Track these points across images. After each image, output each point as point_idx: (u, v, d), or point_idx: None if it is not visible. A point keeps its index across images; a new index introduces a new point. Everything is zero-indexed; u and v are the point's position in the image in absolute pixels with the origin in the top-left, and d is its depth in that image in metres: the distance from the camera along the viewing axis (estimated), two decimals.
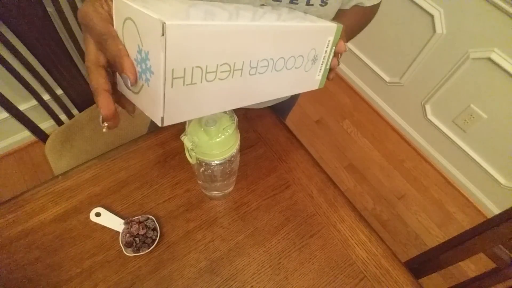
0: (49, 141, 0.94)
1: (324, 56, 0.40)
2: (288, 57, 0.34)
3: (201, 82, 0.27)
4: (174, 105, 0.26)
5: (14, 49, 0.78)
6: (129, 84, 0.26)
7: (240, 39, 0.28)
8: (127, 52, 0.26)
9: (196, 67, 0.25)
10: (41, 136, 0.93)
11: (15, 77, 0.81)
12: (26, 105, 1.24)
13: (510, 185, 1.32)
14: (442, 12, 1.23)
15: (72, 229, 0.53)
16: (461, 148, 1.42)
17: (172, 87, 0.24)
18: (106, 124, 0.28)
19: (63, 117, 0.98)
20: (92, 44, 0.29)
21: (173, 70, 0.24)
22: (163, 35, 0.22)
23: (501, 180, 1.34)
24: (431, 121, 1.49)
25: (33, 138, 1.38)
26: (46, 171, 1.36)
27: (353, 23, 0.58)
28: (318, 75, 0.42)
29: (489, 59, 1.16)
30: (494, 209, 1.43)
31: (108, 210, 0.54)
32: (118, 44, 0.26)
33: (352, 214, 0.59)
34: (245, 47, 0.29)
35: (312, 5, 0.47)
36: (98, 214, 0.53)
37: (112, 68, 0.30)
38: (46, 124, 1.09)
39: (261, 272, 0.52)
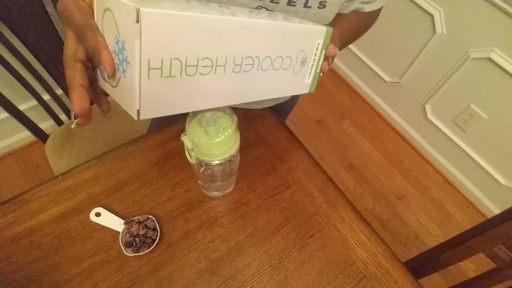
0: (49, 141, 0.94)
1: (314, 59, 0.39)
2: (275, 57, 0.34)
3: (180, 76, 0.26)
4: (151, 98, 0.25)
5: (14, 49, 0.78)
6: (105, 76, 0.25)
7: (222, 33, 0.27)
8: (106, 43, 0.26)
9: (175, 59, 0.25)
10: (41, 136, 0.93)
11: (15, 77, 0.81)
12: (26, 105, 1.24)
13: (510, 185, 1.32)
14: (442, 12, 1.23)
15: (72, 229, 0.53)
16: (461, 148, 1.42)
17: (148, 78, 0.24)
18: (75, 121, 0.28)
19: (63, 117, 0.98)
20: (71, 38, 0.28)
21: (149, 60, 0.23)
22: (137, 22, 0.21)
23: (501, 180, 1.34)
24: (431, 121, 1.49)
25: (33, 138, 1.38)
26: (46, 171, 1.36)
27: (349, 28, 0.57)
28: (308, 78, 0.41)
29: (489, 59, 1.16)
30: (494, 209, 1.43)
31: (108, 210, 0.54)
32: (97, 36, 0.26)
33: (352, 214, 0.59)
34: (227, 43, 0.28)
35: (310, 7, 0.46)
36: (98, 214, 0.53)
37: (92, 62, 0.29)
38: (46, 124, 1.09)
39: (261, 272, 0.52)
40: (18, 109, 0.84)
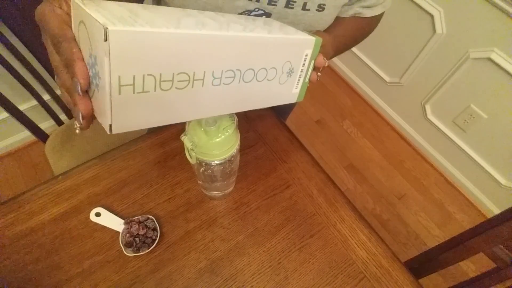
0: (49, 141, 0.94)
1: (302, 69, 0.38)
2: (258, 69, 0.33)
3: (154, 91, 0.25)
4: (123, 113, 0.24)
5: (14, 49, 0.78)
6: (79, 89, 0.24)
7: (199, 48, 0.26)
8: (81, 55, 0.25)
9: (148, 75, 0.24)
10: (41, 136, 0.93)
11: (15, 77, 0.81)
12: (26, 105, 1.24)
13: (510, 185, 1.32)
14: (442, 12, 1.23)
15: (72, 229, 0.53)
16: (461, 148, 1.42)
17: (119, 94, 0.23)
18: (78, 125, 0.27)
19: (63, 117, 0.98)
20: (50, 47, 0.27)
21: (119, 77, 0.23)
22: (105, 40, 0.21)
23: (501, 180, 1.34)
24: (431, 121, 1.49)
25: (33, 138, 1.38)
26: (46, 171, 1.36)
27: (346, 33, 0.56)
28: (296, 88, 0.40)
29: (489, 59, 1.16)
30: (494, 209, 1.43)
31: (108, 210, 0.54)
32: (72, 47, 0.25)
33: (352, 214, 0.59)
34: (205, 57, 0.27)
35: (309, 10, 0.46)
36: (98, 214, 0.53)
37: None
38: (46, 124, 1.09)
39: (261, 272, 0.52)
40: (18, 109, 0.84)
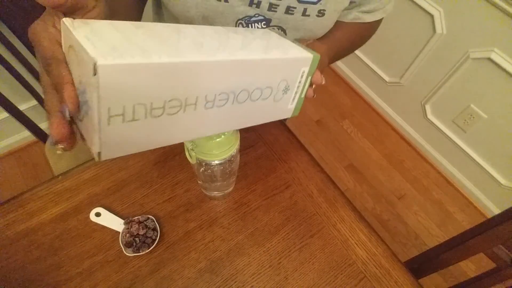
0: (49, 141, 0.94)
1: (298, 86, 0.37)
2: (253, 90, 0.32)
3: (145, 118, 0.25)
4: (113, 141, 0.24)
5: (14, 49, 0.78)
6: (67, 113, 0.23)
7: (190, 75, 0.25)
8: (71, 78, 0.24)
9: (138, 104, 0.24)
10: (41, 136, 0.93)
11: (15, 77, 0.81)
12: (26, 105, 1.24)
13: (510, 185, 1.32)
14: (442, 12, 1.23)
15: (72, 229, 0.53)
16: (461, 148, 1.42)
17: (108, 124, 0.23)
18: (60, 146, 0.26)
19: None
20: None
21: (109, 108, 0.22)
22: (94, 74, 0.20)
23: (501, 180, 1.34)
24: (431, 121, 1.49)
25: (33, 138, 1.38)
26: (46, 171, 1.36)
27: (343, 39, 0.56)
28: (291, 104, 0.39)
29: (489, 59, 1.16)
30: (494, 209, 1.43)
31: (108, 210, 0.54)
32: (62, 70, 0.24)
33: (352, 214, 0.59)
34: (197, 83, 0.26)
35: (309, 15, 0.46)
36: (98, 214, 0.53)
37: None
38: (46, 124, 1.09)
39: (261, 272, 0.52)
40: (18, 109, 0.84)
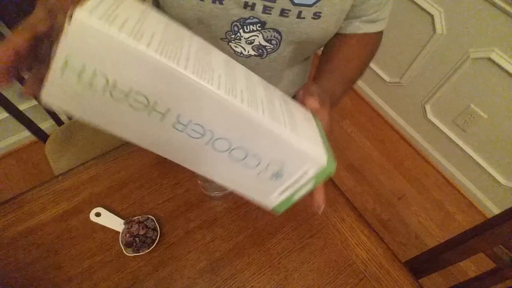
0: (49, 141, 0.94)
1: (294, 183, 0.30)
2: (236, 146, 0.27)
3: (103, 94, 0.23)
4: (60, 91, 0.24)
5: None
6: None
7: (172, 84, 0.23)
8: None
9: (101, 74, 0.23)
10: (41, 136, 0.93)
11: (15, 77, 0.81)
12: (26, 105, 1.25)
13: (510, 185, 1.32)
14: (442, 12, 1.23)
15: (72, 229, 0.53)
16: (461, 148, 1.42)
17: (62, 75, 0.23)
18: None
19: (63, 117, 0.98)
20: (40, 10, 0.26)
21: (67, 56, 0.22)
22: (68, 23, 0.21)
23: (501, 180, 1.34)
24: (431, 121, 1.49)
25: (33, 138, 1.38)
26: (46, 171, 1.36)
27: (346, 76, 0.52)
28: (278, 196, 0.31)
29: (489, 59, 1.16)
30: (494, 209, 1.43)
31: (108, 210, 0.54)
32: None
33: (352, 214, 0.59)
34: (176, 96, 0.24)
35: (304, 18, 0.45)
36: (98, 214, 0.53)
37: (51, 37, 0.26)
38: (46, 124, 1.09)
39: (261, 272, 0.52)
40: (18, 109, 0.84)
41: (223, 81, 0.25)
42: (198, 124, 0.25)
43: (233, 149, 0.27)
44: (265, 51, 0.51)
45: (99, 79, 0.23)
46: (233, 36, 0.48)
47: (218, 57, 0.28)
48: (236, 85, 0.26)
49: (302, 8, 0.44)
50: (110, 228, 0.53)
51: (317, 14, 0.45)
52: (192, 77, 0.23)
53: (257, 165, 0.28)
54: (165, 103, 0.24)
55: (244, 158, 0.28)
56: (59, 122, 0.98)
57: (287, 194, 0.31)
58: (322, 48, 0.58)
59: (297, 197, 0.31)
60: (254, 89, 0.28)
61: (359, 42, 0.55)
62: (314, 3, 0.44)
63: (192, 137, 0.26)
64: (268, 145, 0.27)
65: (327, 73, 0.50)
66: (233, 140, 0.26)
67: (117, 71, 0.23)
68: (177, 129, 0.26)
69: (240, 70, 0.29)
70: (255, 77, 0.31)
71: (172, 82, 0.23)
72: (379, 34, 0.58)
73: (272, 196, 0.32)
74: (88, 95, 0.24)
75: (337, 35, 0.54)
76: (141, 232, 0.52)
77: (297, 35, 0.48)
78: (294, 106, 0.32)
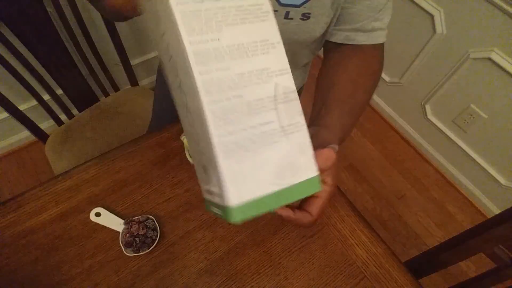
0: (49, 141, 0.94)
1: (211, 194, 0.28)
2: (190, 112, 0.27)
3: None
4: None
5: (14, 49, 0.78)
6: None
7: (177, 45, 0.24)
8: None
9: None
10: (41, 136, 0.93)
11: (15, 77, 0.81)
12: (26, 105, 1.25)
13: (510, 185, 1.32)
14: (442, 12, 1.23)
15: (72, 229, 0.53)
16: (461, 148, 1.42)
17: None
18: None
19: (63, 117, 0.98)
20: None
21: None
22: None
23: (501, 180, 1.34)
24: (431, 121, 1.49)
25: (33, 138, 1.38)
26: (46, 171, 1.36)
27: (352, 112, 0.44)
28: (204, 192, 0.30)
29: (489, 59, 1.16)
30: (494, 209, 1.43)
31: (108, 210, 0.54)
32: None
33: (352, 214, 0.59)
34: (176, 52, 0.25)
35: (292, 19, 0.43)
36: (98, 214, 0.53)
37: None
38: (46, 124, 1.09)
39: (261, 272, 0.52)
40: (18, 109, 0.84)
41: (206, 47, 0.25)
42: (175, 65, 0.26)
43: (187, 110, 0.27)
44: None
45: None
46: None
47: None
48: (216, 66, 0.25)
49: (289, 8, 0.43)
50: (110, 228, 0.53)
51: (306, 15, 0.44)
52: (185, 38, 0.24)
53: (198, 144, 0.27)
54: (171, 50, 0.26)
55: (191, 127, 0.27)
56: (59, 122, 0.98)
57: (207, 197, 0.29)
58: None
59: (213, 210, 0.28)
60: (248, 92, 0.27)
61: (354, 59, 0.48)
62: (303, 3, 0.42)
63: (172, 72, 0.27)
64: (202, 135, 0.25)
65: (333, 104, 0.44)
66: (188, 102, 0.26)
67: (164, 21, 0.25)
68: (168, 56, 0.27)
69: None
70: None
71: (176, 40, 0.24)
72: (378, 49, 0.50)
73: (202, 186, 0.30)
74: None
75: (333, 53, 0.49)
76: (141, 232, 0.52)
77: (284, 36, 0.46)
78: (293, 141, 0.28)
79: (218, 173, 0.24)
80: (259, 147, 0.26)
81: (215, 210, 0.28)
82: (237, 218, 0.25)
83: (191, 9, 0.24)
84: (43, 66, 0.84)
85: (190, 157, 0.44)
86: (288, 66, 0.28)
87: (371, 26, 0.47)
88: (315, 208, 0.32)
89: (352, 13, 0.47)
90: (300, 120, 0.28)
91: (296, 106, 0.28)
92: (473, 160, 1.40)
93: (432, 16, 1.26)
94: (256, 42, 0.27)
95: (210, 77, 0.24)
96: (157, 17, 0.26)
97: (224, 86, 0.25)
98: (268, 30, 0.28)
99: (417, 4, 1.29)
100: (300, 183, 0.27)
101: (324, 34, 0.50)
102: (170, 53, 0.26)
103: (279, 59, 0.28)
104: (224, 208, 0.25)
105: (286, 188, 0.27)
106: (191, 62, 0.24)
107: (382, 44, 0.50)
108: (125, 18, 0.41)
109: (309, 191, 0.28)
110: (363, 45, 0.48)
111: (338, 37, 0.49)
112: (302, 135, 0.28)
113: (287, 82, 0.28)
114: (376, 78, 0.49)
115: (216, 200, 0.27)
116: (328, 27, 0.50)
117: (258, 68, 0.26)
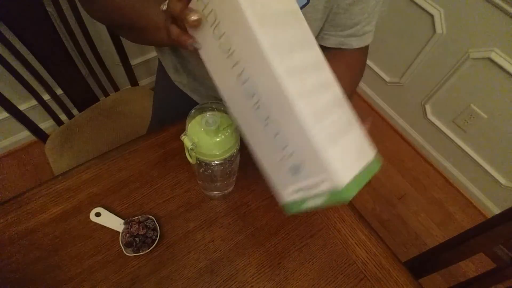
0: (49, 141, 0.94)
1: (308, 188, 0.30)
2: (272, 119, 0.29)
3: (210, 27, 0.28)
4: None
5: (14, 49, 0.78)
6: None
7: (246, 39, 0.26)
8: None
9: (214, 11, 0.27)
10: (41, 136, 0.93)
11: (15, 77, 0.81)
12: (26, 105, 1.24)
13: (510, 185, 1.32)
14: (442, 12, 1.23)
15: (72, 229, 0.53)
16: (461, 148, 1.42)
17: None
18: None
19: (63, 117, 0.98)
20: None
21: None
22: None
23: (501, 180, 1.34)
24: (431, 121, 1.49)
25: (33, 138, 1.38)
26: (46, 171, 1.36)
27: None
28: (291, 194, 0.32)
29: (489, 59, 1.16)
30: (494, 209, 1.43)
31: (108, 210, 0.54)
32: None
33: (352, 214, 0.59)
34: (245, 51, 0.27)
35: None
36: (98, 214, 0.53)
37: None
38: (46, 124, 1.09)
39: (261, 272, 0.52)
40: (18, 109, 0.84)
41: (291, 62, 0.27)
42: (253, 86, 0.28)
43: (269, 122, 0.29)
44: None
45: (212, 15, 0.27)
46: None
47: (310, 52, 0.31)
48: (305, 76, 0.28)
49: None
50: (110, 228, 0.53)
51: None
52: (262, 41, 0.25)
53: (283, 149, 0.29)
54: (238, 54, 0.27)
55: (276, 136, 0.29)
56: (59, 122, 0.97)
57: (299, 195, 0.31)
58: None
59: (307, 205, 0.31)
60: (325, 91, 0.30)
61: (342, 62, 0.52)
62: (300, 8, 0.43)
63: (245, 95, 0.29)
64: (296, 135, 0.28)
65: None
66: (272, 113, 0.28)
67: (223, 14, 0.27)
68: (239, 81, 0.29)
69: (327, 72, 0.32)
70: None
71: (247, 39, 0.26)
72: (364, 50, 0.53)
73: (287, 190, 0.32)
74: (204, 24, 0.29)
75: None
76: (141, 232, 0.52)
77: None
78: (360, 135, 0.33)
79: (322, 160, 0.27)
80: (344, 134, 0.30)
81: (311, 204, 0.31)
82: (351, 192, 0.27)
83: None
84: (43, 66, 0.84)
85: (190, 157, 0.44)
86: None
87: (363, 31, 0.49)
88: None
89: (345, 18, 0.48)
90: (353, 115, 0.33)
91: (346, 105, 0.32)
92: (473, 160, 1.40)
93: (432, 16, 1.26)
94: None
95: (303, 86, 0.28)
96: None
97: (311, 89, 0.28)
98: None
99: (417, 4, 1.29)
100: (372, 161, 0.33)
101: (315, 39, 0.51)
102: (244, 76, 0.28)
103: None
104: (336, 190, 0.27)
105: (367, 165, 0.31)
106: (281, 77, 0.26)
107: (368, 45, 0.53)
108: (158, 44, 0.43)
109: (376, 169, 0.33)
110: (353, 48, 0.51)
111: (332, 42, 0.51)
112: (359, 126, 0.33)
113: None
114: (358, 78, 0.56)
115: (318, 190, 0.29)
116: (320, 32, 0.51)
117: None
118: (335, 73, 0.48)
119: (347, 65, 0.52)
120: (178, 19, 0.30)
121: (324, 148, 0.27)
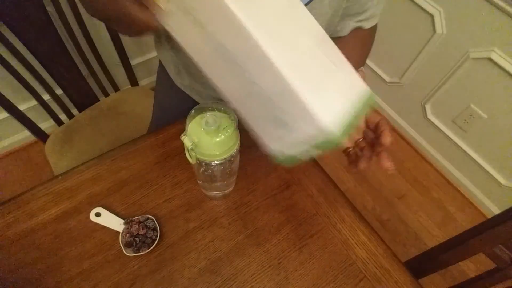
0: (49, 141, 0.94)
1: (298, 137, 0.31)
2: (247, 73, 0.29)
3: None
4: None
5: (14, 49, 0.78)
6: None
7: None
8: None
9: None
10: (41, 136, 0.93)
11: (15, 77, 0.81)
12: (26, 105, 1.24)
13: (510, 185, 1.32)
14: (442, 12, 1.23)
15: (72, 229, 0.53)
16: (461, 148, 1.42)
17: None
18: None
19: (63, 117, 0.98)
20: None
21: None
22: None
23: (501, 180, 1.34)
24: (431, 121, 1.49)
25: (33, 138, 1.38)
26: (46, 171, 1.36)
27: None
28: (276, 143, 0.34)
29: (489, 59, 1.15)
30: (494, 209, 1.43)
31: (108, 210, 0.54)
32: None
33: (352, 214, 0.59)
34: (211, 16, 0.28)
35: None
36: (98, 214, 0.53)
37: None
38: (46, 124, 1.09)
39: (261, 272, 0.52)
40: (18, 109, 0.84)
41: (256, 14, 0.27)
42: (226, 45, 0.28)
43: (248, 75, 0.29)
44: None
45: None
46: None
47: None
48: (279, 26, 0.28)
49: None
50: (110, 228, 0.53)
51: None
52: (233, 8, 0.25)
53: (266, 103, 0.30)
54: (207, 21, 0.28)
55: (253, 84, 0.30)
56: (59, 122, 0.97)
57: (279, 145, 0.33)
58: None
59: (295, 151, 0.32)
60: (302, 35, 0.30)
61: (354, 38, 0.57)
62: (306, 4, 0.44)
63: (220, 54, 0.29)
64: (274, 84, 0.28)
65: None
66: (251, 70, 0.29)
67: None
68: (211, 41, 0.29)
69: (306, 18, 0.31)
70: (320, 32, 0.32)
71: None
72: (374, 27, 0.60)
73: (272, 142, 0.34)
74: None
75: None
76: (141, 232, 0.52)
77: None
78: (348, 73, 0.32)
79: (303, 102, 0.27)
80: (327, 77, 0.30)
81: (299, 148, 0.32)
82: (336, 128, 0.28)
83: None
84: (43, 66, 0.84)
85: (190, 157, 0.44)
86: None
87: (369, 15, 0.54)
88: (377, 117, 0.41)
89: (357, 8, 0.52)
90: (342, 56, 0.32)
91: (334, 47, 0.32)
92: (473, 160, 1.40)
93: (432, 16, 1.26)
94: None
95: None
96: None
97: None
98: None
99: (417, 4, 1.29)
100: (364, 95, 0.32)
101: None
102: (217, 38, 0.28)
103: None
104: (321, 129, 0.28)
105: (357, 100, 0.31)
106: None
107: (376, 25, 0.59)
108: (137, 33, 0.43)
109: (371, 102, 0.33)
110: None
111: (346, 30, 0.55)
112: (350, 66, 0.32)
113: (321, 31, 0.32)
114: (367, 52, 0.61)
115: (305, 133, 0.29)
116: (333, 26, 0.55)
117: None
118: (353, 50, 0.54)
119: (362, 43, 0.58)
120: None
121: (302, 91, 0.27)
